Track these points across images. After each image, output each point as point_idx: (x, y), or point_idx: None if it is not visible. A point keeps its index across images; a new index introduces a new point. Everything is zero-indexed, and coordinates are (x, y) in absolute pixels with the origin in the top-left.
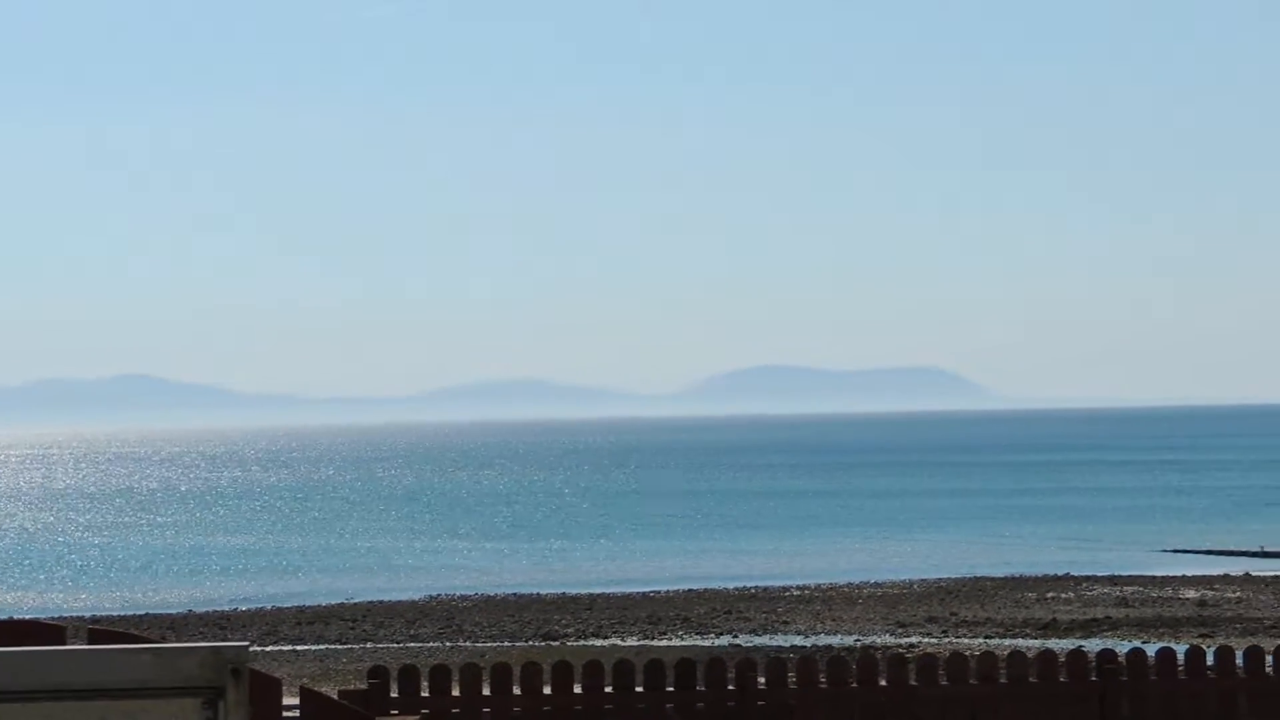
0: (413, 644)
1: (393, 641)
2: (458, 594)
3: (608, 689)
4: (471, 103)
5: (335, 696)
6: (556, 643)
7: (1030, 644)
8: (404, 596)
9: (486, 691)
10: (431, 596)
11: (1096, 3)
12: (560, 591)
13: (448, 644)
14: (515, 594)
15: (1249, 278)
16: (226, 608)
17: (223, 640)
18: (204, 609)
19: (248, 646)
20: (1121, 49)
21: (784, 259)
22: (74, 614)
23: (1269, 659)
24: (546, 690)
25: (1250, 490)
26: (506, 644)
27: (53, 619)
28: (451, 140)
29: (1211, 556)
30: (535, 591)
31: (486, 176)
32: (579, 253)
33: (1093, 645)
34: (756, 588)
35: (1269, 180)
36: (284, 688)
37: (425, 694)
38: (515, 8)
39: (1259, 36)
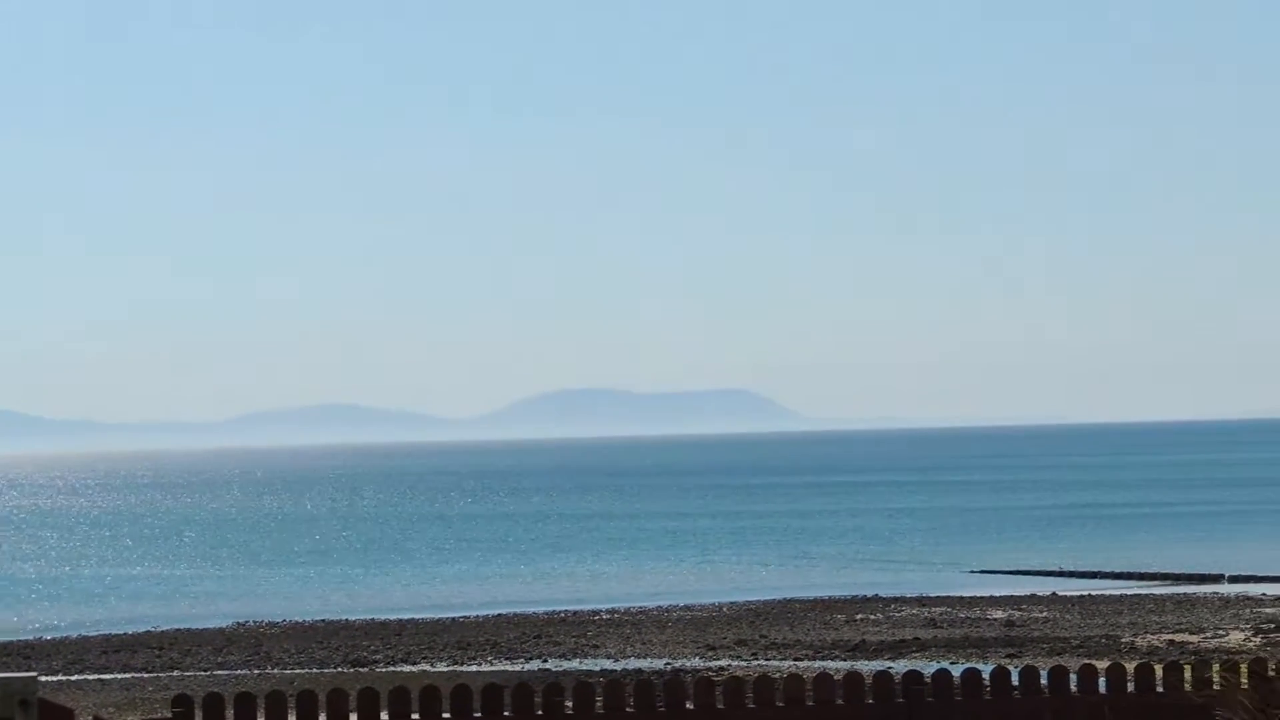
0: (220, 671)
1: (200, 669)
2: (264, 620)
3: (414, 716)
4: (244, 125)
5: None
6: (365, 669)
7: (839, 666)
8: (210, 624)
9: (291, 719)
10: (238, 623)
11: (912, 22)
12: (369, 617)
13: (255, 671)
14: (323, 620)
15: (1045, 300)
16: (30, 637)
17: (19, 670)
18: (6, 638)
19: (36, 677)
20: (944, 61)
21: (594, 282)
22: None
23: (1073, 678)
24: (353, 718)
25: (1053, 509)
26: (315, 671)
27: None
28: (249, 162)
29: (1018, 576)
30: (343, 617)
31: (291, 198)
32: (388, 276)
33: (901, 667)
34: (566, 612)
35: (1066, 202)
36: (78, 718)
37: None
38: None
39: (1077, 44)
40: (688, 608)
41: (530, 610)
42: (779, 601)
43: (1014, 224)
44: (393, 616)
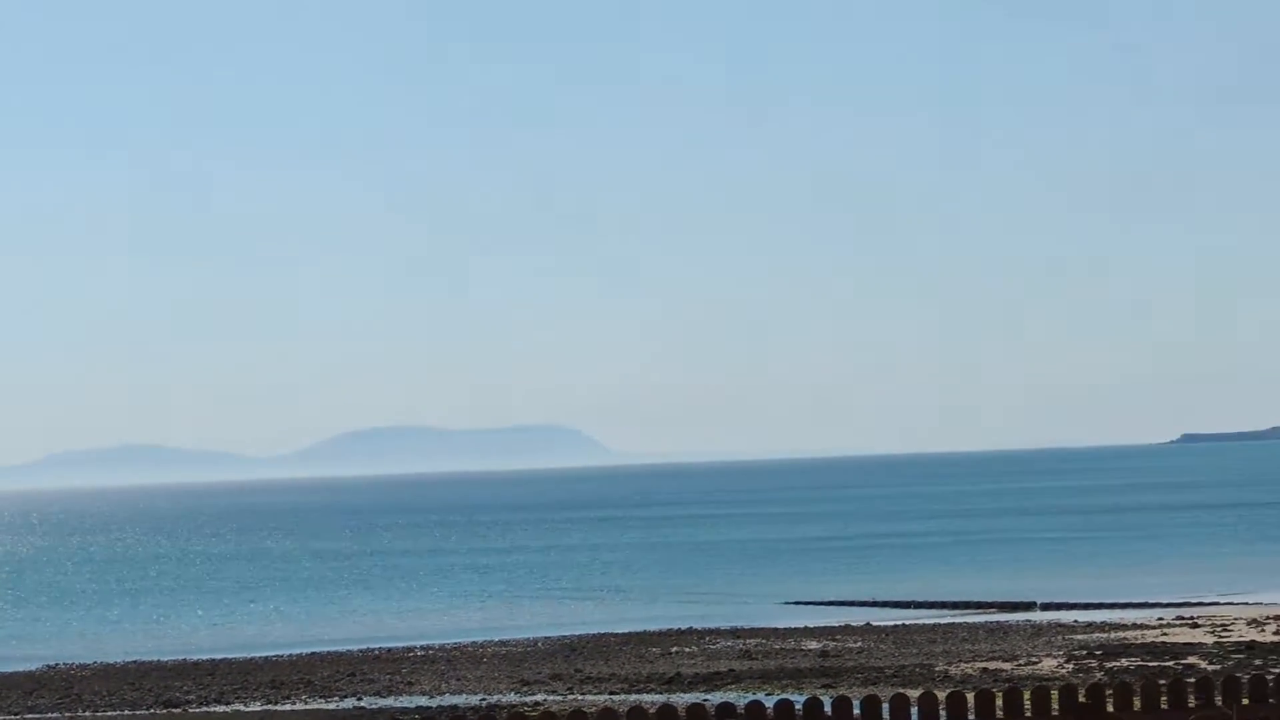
0: (31, 715)
1: (10, 713)
2: (75, 663)
3: None
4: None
5: None
6: (178, 709)
7: (654, 699)
8: (19, 667)
9: None
10: (48, 666)
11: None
12: (180, 657)
13: (67, 715)
14: (134, 661)
15: (848, 333)
16: None
17: None
18: None
19: None
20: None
21: (407, 320)
22: None
23: (885, 706)
24: None
25: (862, 539)
26: (128, 713)
27: None
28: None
29: (832, 607)
30: (155, 658)
31: (84, 236)
32: (192, 314)
33: (716, 699)
34: (380, 649)
35: (851, 240)
36: None
37: None
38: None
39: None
40: (502, 643)
41: (343, 648)
42: (593, 635)
43: (808, 252)
44: (204, 656)
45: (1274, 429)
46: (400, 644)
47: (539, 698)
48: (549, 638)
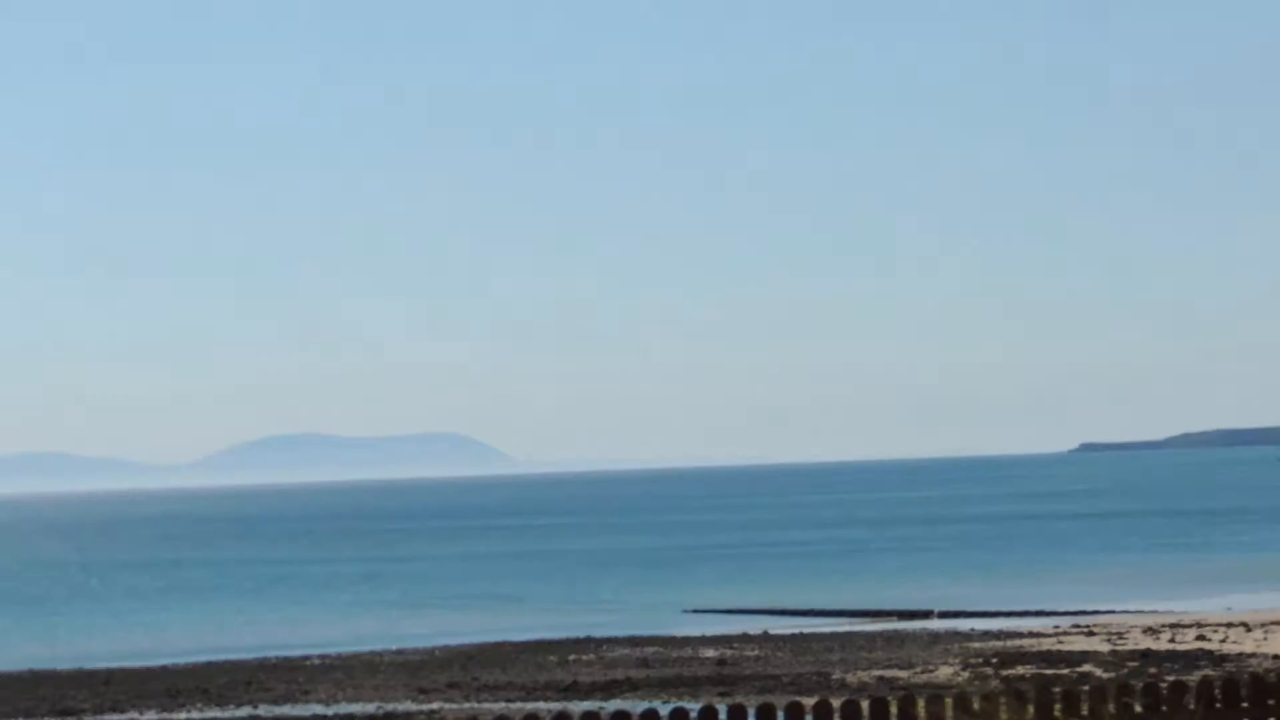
0: None
1: None
2: None
3: None
4: None
5: None
6: (73, 718)
7: (550, 707)
8: None
9: None
10: None
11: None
12: (75, 666)
13: None
14: (29, 670)
15: (735, 342)
16: None
17: None
18: None
19: None
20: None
21: (305, 326)
22: None
23: (780, 714)
24: None
25: (759, 548)
26: None
27: None
28: None
29: (731, 615)
30: (50, 667)
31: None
32: (91, 323)
33: (612, 707)
34: (277, 657)
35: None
36: None
37: None
38: None
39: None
40: (399, 651)
41: (240, 656)
42: (491, 644)
43: (702, 260)
44: (100, 665)
45: (1172, 439)
46: (297, 652)
47: (436, 706)
48: (447, 646)
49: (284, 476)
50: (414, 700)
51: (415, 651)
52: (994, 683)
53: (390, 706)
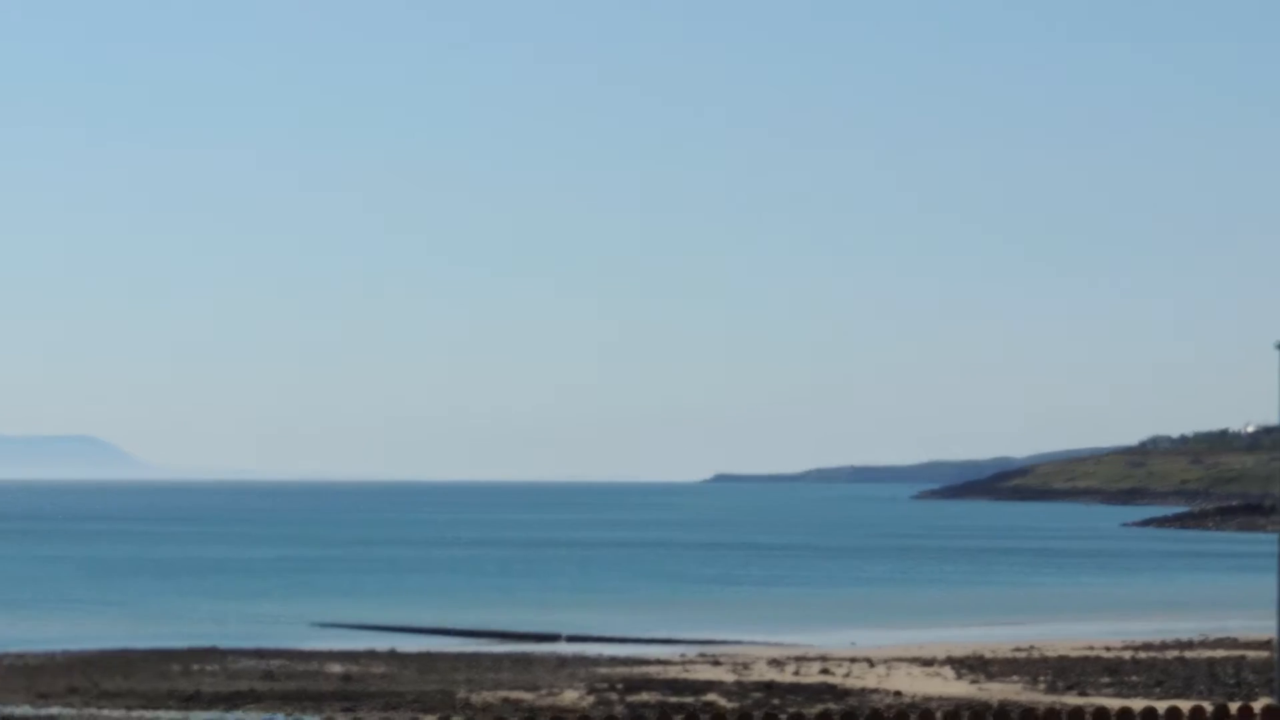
0: None
1: None
2: None
3: None
4: None
5: None
6: None
7: (172, 716)
8: None
9: None
10: None
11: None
12: None
13: None
14: None
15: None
16: None
17: None
18: None
19: None
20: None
21: None
22: None
23: None
24: None
25: (381, 564)
26: None
27: None
28: None
29: (360, 631)
30: None
31: None
32: None
33: (234, 718)
34: None
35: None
36: None
37: None
38: None
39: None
40: (19, 655)
41: None
42: (114, 651)
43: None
44: None
45: (807, 473)
46: None
47: (54, 711)
48: (68, 651)
49: None
50: (32, 705)
51: (35, 655)
52: (618, 708)
53: (7, 710)
